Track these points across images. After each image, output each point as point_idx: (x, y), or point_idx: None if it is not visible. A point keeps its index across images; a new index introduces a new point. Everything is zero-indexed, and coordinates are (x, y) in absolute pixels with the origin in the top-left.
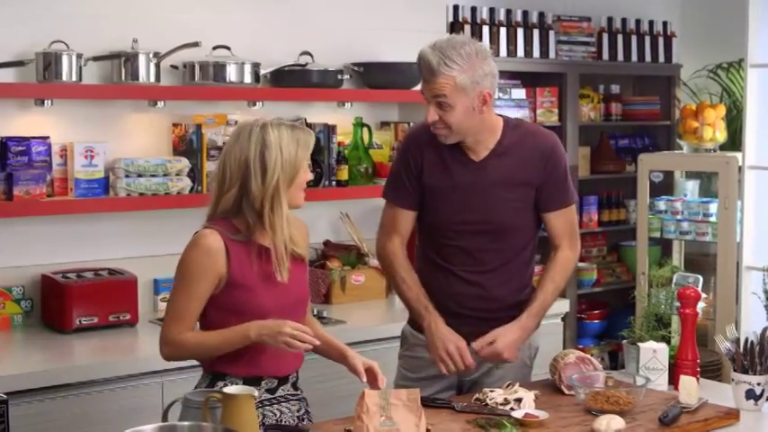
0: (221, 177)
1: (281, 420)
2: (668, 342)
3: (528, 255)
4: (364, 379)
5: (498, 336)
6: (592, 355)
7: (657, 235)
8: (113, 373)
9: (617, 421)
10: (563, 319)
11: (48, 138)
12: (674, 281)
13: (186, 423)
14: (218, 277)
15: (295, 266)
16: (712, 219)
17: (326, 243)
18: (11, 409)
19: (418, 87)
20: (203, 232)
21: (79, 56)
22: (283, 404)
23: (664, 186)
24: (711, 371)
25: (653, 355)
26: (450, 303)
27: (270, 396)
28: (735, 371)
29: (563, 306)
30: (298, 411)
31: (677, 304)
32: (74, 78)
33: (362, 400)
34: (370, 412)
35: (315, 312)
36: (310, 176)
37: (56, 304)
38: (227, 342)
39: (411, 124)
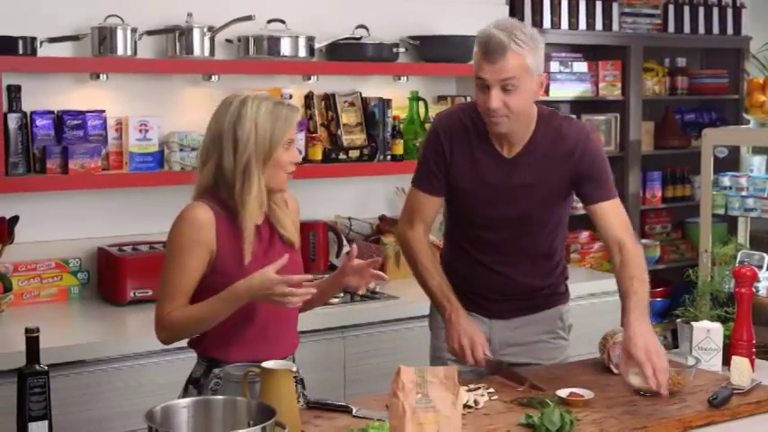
0: (200, 151)
1: None
2: (730, 321)
3: (555, 248)
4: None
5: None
6: (655, 334)
7: (722, 212)
8: (165, 345)
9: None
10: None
11: (103, 112)
12: (738, 259)
13: (221, 397)
14: (208, 251)
15: (286, 248)
16: None
17: (382, 218)
18: (67, 379)
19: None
20: (191, 204)
21: (134, 30)
22: None
23: (730, 162)
24: None
25: (707, 334)
26: (475, 287)
27: None
28: None
29: None
30: None
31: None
32: (129, 53)
33: (398, 376)
34: (406, 389)
35: (368, 288)
36: (296, 158)
37: (111, 277)
38: (216, 311)
39: (467, 98)
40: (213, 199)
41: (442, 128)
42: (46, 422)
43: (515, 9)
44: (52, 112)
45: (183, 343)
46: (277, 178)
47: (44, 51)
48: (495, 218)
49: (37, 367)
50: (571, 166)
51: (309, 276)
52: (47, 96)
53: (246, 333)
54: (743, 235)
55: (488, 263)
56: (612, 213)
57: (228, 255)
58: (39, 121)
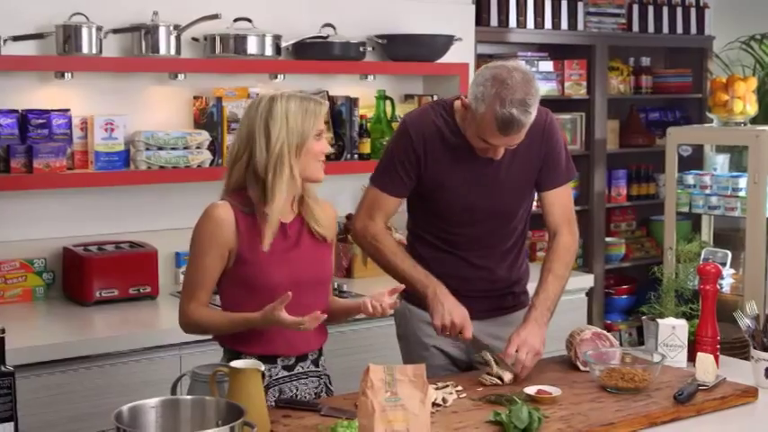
0: (232, 150)
1: (297, 397)
2: (695, 318)
3: (525, 230)
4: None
5: (518, 344)
6: (620, 331)
7: (686, 210)
8: (132, 345)
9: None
10: (587, 294)
11: (68, 110)
12: (702, 256)
13: (189, 397)
14: (227, 249)
15: (316, 246)
16: (742, 193)
17: (349, 217)
18: (31, 380)
19: (443, 60)
20: (214, 204)
21: (99, 28)
22: (302, 381)
23: (694, 161)
24: (740, 347)
25: (672, 331)
26: (457, 285)
27: (287, 373)
28: (754, 348)
29: (587, 281)
30: (316, 388)
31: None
32: (94, 51)
33: (367, 375)
34: (375, 387)
35: (335, 286)
36: (327, 148)
37: (76, 277)
38: (232, 328)
39: (435, 97)
40: (239, 198)
41: (414, 128)
42: (12, 424)
43: (482, 9)
44: (16, 111)
45: (151, 343)
46: (311, 167)
47: (8, 49)
48: (475, 212)
49: (2, 368)
50: (539, 142)
51: (324, 316)
52: (11, 95)
53: (265, 328)
54: (707, 232)
55: (471, 258)
56: (557, 201)
57: (250, 250)
58: (2, 120)
